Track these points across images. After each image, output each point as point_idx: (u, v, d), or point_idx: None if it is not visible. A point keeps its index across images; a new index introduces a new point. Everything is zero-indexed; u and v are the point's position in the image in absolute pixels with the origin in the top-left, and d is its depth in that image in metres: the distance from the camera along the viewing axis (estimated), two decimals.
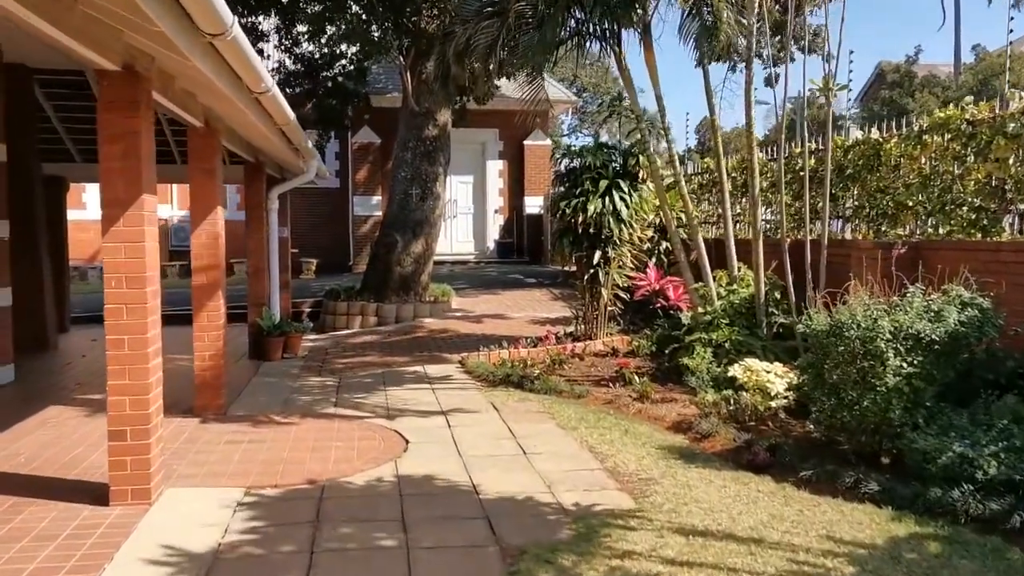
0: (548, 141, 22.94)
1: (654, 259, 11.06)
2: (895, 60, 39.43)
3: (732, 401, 6.63)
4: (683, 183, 8.65)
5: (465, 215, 22.63)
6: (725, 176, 8.44)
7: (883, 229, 8.17)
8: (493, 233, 22.61)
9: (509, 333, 11.15)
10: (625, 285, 10.01)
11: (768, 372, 6.47)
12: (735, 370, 6.61)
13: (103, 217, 4.57)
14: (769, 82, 22.75)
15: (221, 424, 6.73)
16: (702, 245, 8.20)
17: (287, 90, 17.91)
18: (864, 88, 44.31)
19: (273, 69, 17.79)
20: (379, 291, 13.05)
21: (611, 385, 8.06)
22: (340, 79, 18.24)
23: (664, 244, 11.22)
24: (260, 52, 17.23)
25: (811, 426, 6.20)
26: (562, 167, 10.60)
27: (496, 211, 22.63)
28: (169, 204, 24.63)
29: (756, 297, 7.85)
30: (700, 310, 8.00)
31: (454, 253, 22.02)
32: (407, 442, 6.21)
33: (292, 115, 6.84)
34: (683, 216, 11.33)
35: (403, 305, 12.87)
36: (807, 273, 7.49)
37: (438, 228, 13.85)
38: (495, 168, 22.54)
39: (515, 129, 22.23)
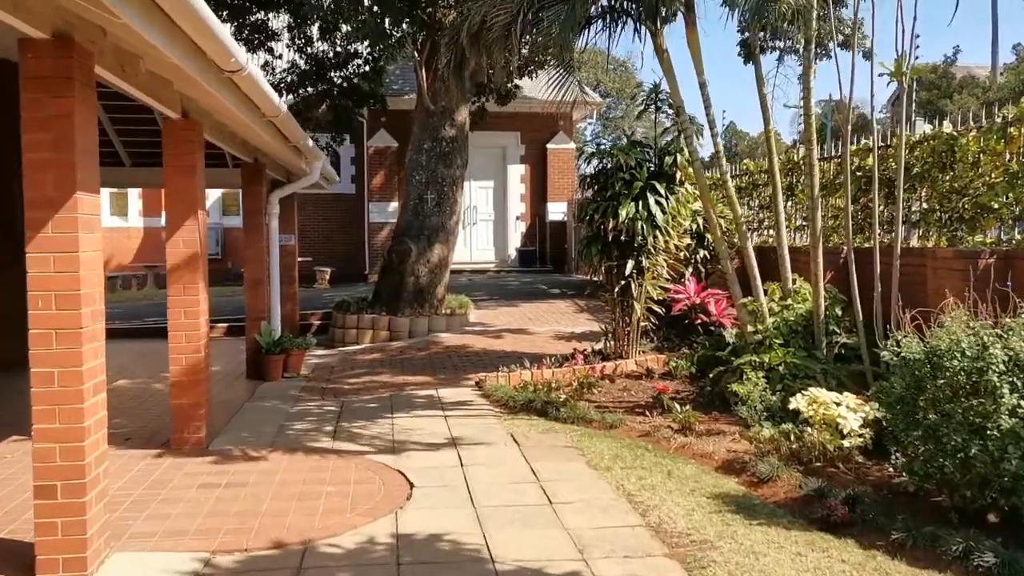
0: (572, 144, 22.00)
1: (690, 269, 10.08)
2: (929, 62, 38.17)
3: (794, 437, 5.64)
4: (730, 183, 7.66)
5: (485, 222, 21.72)
6: (778, 174, 7.44)
7: (959, 235, 7.14)
8: (514, 241, 21.69)
9: (531, 350, 10.20)
10: (660, 298, 9.03)
11: (838, 404, 5.47)
12: (798, 401, 5.62)
13: (27, 221, 3.68)
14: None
15: (198, 462, 5.83)
16: (752, 254, 7.21)
17: (300, 91, 17.16)
18: (896, 91, 43.13)
19: (285, 69, 17.03)
20: (392, 303, 12.14)
21: (647, 413, 7.08)
22: (355, 79, 17.45)
23: (702, 252, 10.23)
24: (270, 51, 16.47)
25: (891, 470, 5.21)
26: (590, 168, 9.66)
27: (517, 218, 21.71)
28: None
29: (815, 313, 6.85)
30: (749, 328, 7.00)
31: (473, 262, 21.10)
32: (411, 486, 5.28)
33: (282, 105, 5.96)
34: (721, 222, 10.37)
35: (417, 318, 11.95)
36: (876, 286, 6.50)
37: (455, 235, 12.93)
38: (516, 173, 21.63)
39: (537, 132, 21.36)
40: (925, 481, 4.50)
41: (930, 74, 34.80)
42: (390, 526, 4.55)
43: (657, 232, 8.72)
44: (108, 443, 6.30)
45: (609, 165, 9.10)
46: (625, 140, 9.19)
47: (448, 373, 9.33)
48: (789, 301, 7.16)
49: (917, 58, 6.75)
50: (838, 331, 6.87)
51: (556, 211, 21.43)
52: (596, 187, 9.19)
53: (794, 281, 7.34)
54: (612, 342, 9.21)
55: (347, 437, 6.58)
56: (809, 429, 5.52)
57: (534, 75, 18.32)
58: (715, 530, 4.46)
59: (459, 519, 4.67)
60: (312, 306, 15.29)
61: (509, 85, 18.01)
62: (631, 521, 4.63)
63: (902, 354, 4.53)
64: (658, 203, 8.71)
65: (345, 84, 17.34)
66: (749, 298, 7.17)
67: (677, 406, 6.72)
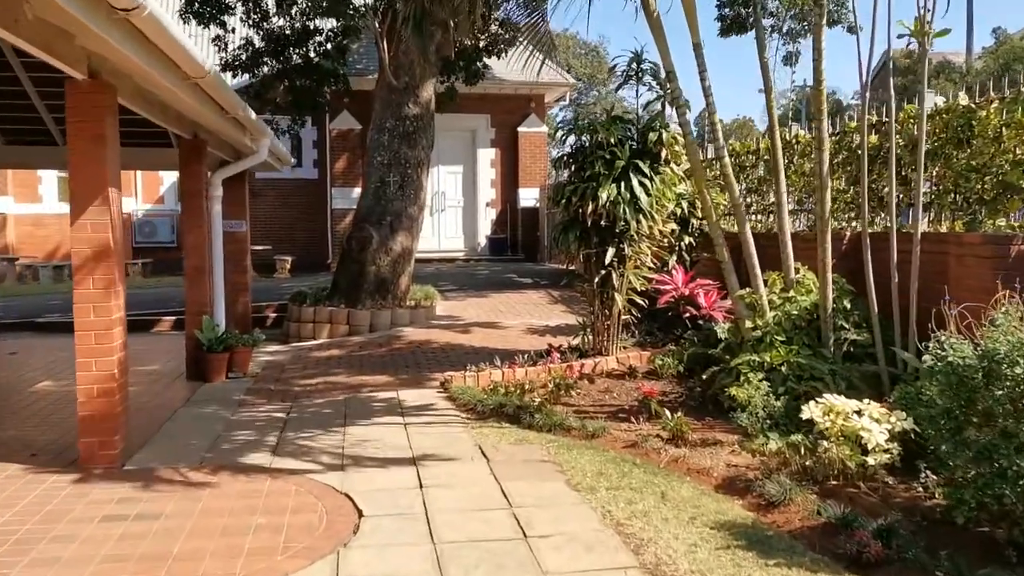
0: (544, 128, 21.19)
1: (674, 257, 9.30)
2: (903, 47, 37.74)
3: (804, 451, 4.88)
4: (727, 160, 6.84)
5: (454, 208, 20.83)
6: (780, 150, 6.66)
7: (978, 219, 6.41)
8: (484, 228, 20.82)
9: (502, 345, 9.38)
10: (643, 289, 8.23)
11: (860, 414, 4.70)
12: (812, 410, 4.84)
13: None
14: (788, 61, 21.03)
15: (109, 485, 4.93)
16: (750, 240, 6.41)
17: (256, 70, 16.14)
18: (871, 76, 42.89)
19: (239, 46, 15.99)
20: (351, 295, 11.24)
21: (633, 419, 6.29)
22: (315, 58, 16.46)
23: (687, 239, 9.45)
24: (223, 25, 15.42)
25: (921, 490, 4.47)
26: (567, 147, 8.85)
27: (488, 204, 20.85)
28: (133, 197, 22.80)
29: (822, 307, 6.09)
30: (748, 323, 6.22)
31: (442, 250, 20.23)
32: (360, 515, 4.44)
33: (205, 62, 5.06)
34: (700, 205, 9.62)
35: (379, 311, 11.06)
36: (893, 275, 5.75)
37: (420, 221, 12.03)
38: (486, 157, 20.75)
39: (508, 114, 20.51)
40: (978, 511, 3.74)
41: (904, 59, 34.34)
42: (329, 572, 3.71)
43: (641, 216, 7.91)
44: (8, 460, 5.43)
45: (587, 143, 8.29)
46: (606, 114, 8.33)
47: (411, 372, 8.48)
48: (792, 293, 6.39)
49: (930, 22, 5.96)
50: (847, 326, 6.11)
51: (528, 197, 20.60)
52: (574, 167, 8.36)
53: (797, 270, 6.57)
54: (590, 337, 8.42)
55: (290, 451, 5.72)
56: (824, 442, 4.75)
57: (504, 53, 17.46)
58: (725, 573, 3.68)
59: (415, 560, 3.84)
60: (269, 297, 14.39)
61: (478, 63, 17.14)
62: (622, 561, 3.83)
63: (949, 358, 3.76)
64: (642, 184, 7.90)
65: (304, 62, 16.36)
66: (747, 289, 6.39)
67: (667, 412, 5.92)
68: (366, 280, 11.26)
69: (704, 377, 6.52)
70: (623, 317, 8.31)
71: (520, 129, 20.60)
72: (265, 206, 21.47)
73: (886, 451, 4.56)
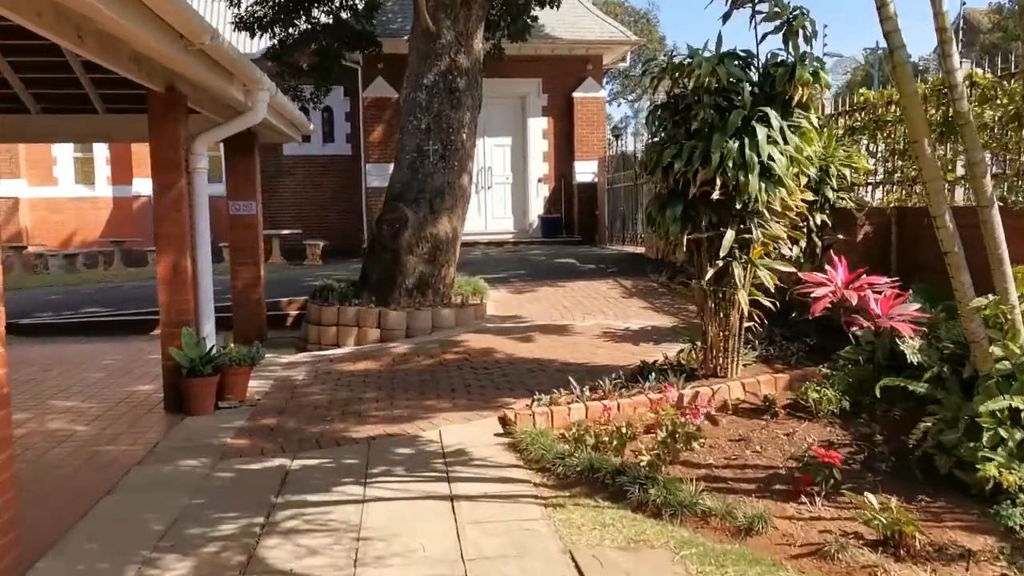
0: (603, 92, 18.89)
1: (803, 241, 7.04)
2: (994, 3, 34.65)
3: None
4: (963, 91, 4.47)
5: (502, 185, 18.63)
6: None
7: None
8: (537, 207, 18.60)
9: (575, 358, 7.23)
10: (774, 286, 6.00)
11: None
12: None
13: None
14: None
15: None
16: (997, 219, 4.11)
17: (276, 29, 14.14)
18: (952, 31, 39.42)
19: (255, 2, 13.98)
20: (383, 290, 9.14)
21: (804, 497, 4.08)
22: (343, 15, 14.41)
23: (819, 217, 7.17)
24: None
25: None
26: (659, 96, 6.64)
27: (540, 180, 18.61)
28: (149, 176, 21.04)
29: None
30: (997, 350, 3.95)
31: (489, 232, 18.08)
32: None
33: None
34: (846, 172, 7.40)
35: (417, 311, 8.95)
36: None
37: (467, 198, 9.87)
38: (538, 127, 18.47)
39: (562, 78, 18.23)
40: None
41: (995, 14, 31.28)
42: None
43: (772, 186, 5.70)
44: None
45: (690, 86, 6.06)
46: (716, 46, 6.04)
47: (458, 398, 6.36)
48: None
49: None
50: None
51: (585, 171, 18.31)
52: (673, 121, 6.13)
53: None
54: (700, 352, 6.22)
55: (272, 564, 3.63)
56: None
57: (556, 6, 15.23)
58: None
59: None
60: (294, 290, 12.39)
61: (526, 17, 14.92)
62: None
63: None
64: (772, 141, 5.67)
65: (332, 21, 14.31)
66: (988, 297, 4.10)
67: (873, 500, 3.69)
68: (401, 272, 9.15)
69: (914, 437, 4.21)
70: (745, 324, 6.10)
71: (575, 95, 18.27)
72: (294, 185, 19.58)
73: None
